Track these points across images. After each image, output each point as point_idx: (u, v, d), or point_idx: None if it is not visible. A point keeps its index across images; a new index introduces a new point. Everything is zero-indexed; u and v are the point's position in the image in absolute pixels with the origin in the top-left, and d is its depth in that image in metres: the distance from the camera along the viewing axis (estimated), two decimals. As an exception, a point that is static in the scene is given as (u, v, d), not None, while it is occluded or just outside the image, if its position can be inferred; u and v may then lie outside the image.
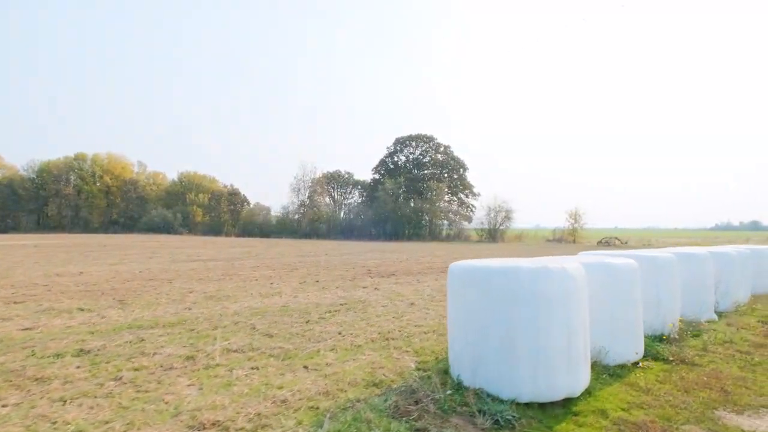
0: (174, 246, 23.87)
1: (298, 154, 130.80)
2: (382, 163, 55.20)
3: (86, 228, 54.98)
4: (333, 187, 60.36)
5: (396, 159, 54.71)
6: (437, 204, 44.23)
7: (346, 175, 60.27)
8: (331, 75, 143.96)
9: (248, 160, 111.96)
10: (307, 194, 58.42)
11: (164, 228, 55.80)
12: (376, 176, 55.11)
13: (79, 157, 57.17)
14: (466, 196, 53.58)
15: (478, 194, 52.98)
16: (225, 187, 66.03)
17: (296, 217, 55.06)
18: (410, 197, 47.22)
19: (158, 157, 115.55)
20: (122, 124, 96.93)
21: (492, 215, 43.31)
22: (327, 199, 59.51)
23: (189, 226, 57.94)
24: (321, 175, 58.56)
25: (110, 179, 57.45)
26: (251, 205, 61.19)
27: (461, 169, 53.51)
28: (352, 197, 59.80)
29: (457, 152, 54.48)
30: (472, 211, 51.82)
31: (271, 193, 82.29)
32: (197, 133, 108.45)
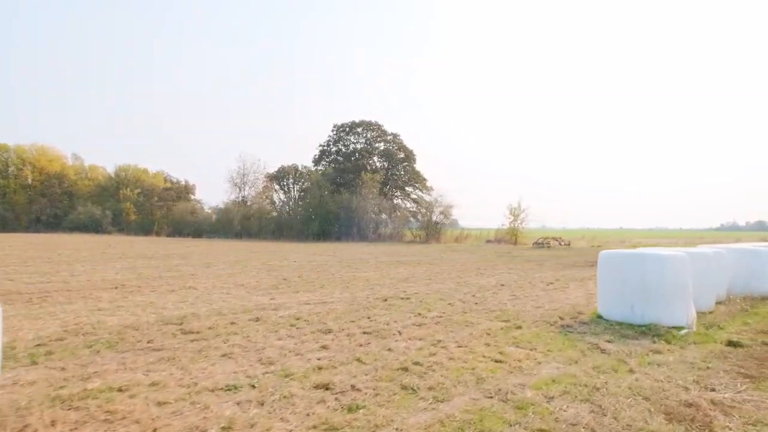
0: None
1: (259, 148, 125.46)
2: (324, 153, 49.50)
3: (4, 227, 50.38)
4: (289, 182, 54.84)
5: (338, 148, 48.97)
6: (369, 199, 38.32)
7: (303, 170, 54.72)
8: (313, 67, 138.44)
9: (207, 154, 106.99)
10: (248, 190, 53.43)
11: (92, 227, 51.14)
12: (319, 168, 49.55)
13: (-2, 149, 52.45)
14: (420, 190, 47.76)
15: (431, 188, 47.08)
16: (169, 182, 61.16)
17: (230, 215, 49.85)
18: (340, 191, 41.48)
19: (114, 151, 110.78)
20: (61, 114, 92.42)
21: (427, 211, 37.22)
22: (282, 196, 54.10)
23: (121, 225, 53.16)
24: (275, 170, 53.25)
25: (32, 173, 52.70)
26: (189, 201, 55.94)
27: (410, 161, 47.64)
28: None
29: (408, 142, 48.66)
30: (424, 207, 45.90)
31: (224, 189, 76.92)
32: (154, 125, 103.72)
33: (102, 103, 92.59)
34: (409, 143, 48.60)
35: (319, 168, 49.16)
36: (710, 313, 6.74)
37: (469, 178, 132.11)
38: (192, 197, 60.13)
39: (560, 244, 28.19)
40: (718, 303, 7.39)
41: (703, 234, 70.39)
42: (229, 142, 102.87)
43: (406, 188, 47.49)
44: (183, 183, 62.91)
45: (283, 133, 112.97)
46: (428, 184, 47.97)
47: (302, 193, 49.41)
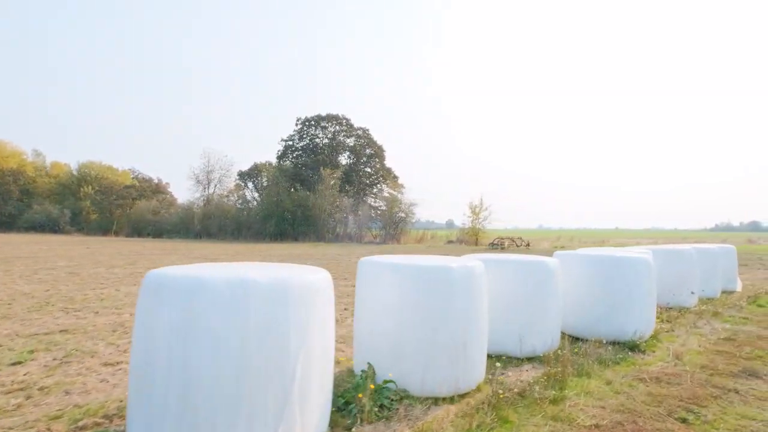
0: None
1: (249, 145, 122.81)
2: (288, 148, 46.93)
3: (-46, 227, 47.92)
4: (263, 180, 52.27)
5: (305, 143, 46.41)
6: (326, 196, 35.76)
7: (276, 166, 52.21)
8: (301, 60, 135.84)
9: (194, 152, 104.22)
10: (214, 188, 51.06)
11: (49, 226, 48.78)
12: (284, 164, 47.01)
13: (-52, 145, 49.90)
14: (391, 188, 45.18)
15: (402, 186, 44.58)
16: (136, 180, 58.67)
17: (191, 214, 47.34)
18: (296, 188, 39.02)
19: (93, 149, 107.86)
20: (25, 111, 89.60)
21: (388, 210, 34.67)
22: (256, 195, 51.54)
23: (81, 224, 50.73)
24: (247, 168, 50.85)
25: (-17, 170, 50.19)
26: (151, 200, 53.32)
27: (380, 157, 45.14)
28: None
29: (377, 138, 46.23)
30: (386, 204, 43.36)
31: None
32: (141, 123, 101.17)
33: (90, 102, 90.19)
34: (378, 139, 46.21)
35: (284, 164, 46.67)
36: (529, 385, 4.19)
37: (470, 178, 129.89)
38: (163, 195, 57.76)
39: (518, 245, 25.58)
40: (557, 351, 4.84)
41: (688, 234, 68.12)
42: (219, 140, 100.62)
43: (377, 185, 45.01)
44: (155, 181, 60.59)
45: (268, 131, 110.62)
46: (400, 181, 45.57)
47: (263, 191, 46.91)
